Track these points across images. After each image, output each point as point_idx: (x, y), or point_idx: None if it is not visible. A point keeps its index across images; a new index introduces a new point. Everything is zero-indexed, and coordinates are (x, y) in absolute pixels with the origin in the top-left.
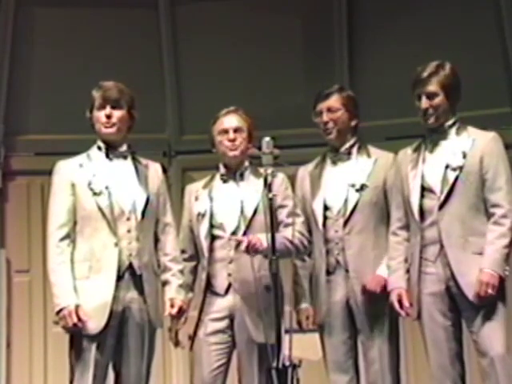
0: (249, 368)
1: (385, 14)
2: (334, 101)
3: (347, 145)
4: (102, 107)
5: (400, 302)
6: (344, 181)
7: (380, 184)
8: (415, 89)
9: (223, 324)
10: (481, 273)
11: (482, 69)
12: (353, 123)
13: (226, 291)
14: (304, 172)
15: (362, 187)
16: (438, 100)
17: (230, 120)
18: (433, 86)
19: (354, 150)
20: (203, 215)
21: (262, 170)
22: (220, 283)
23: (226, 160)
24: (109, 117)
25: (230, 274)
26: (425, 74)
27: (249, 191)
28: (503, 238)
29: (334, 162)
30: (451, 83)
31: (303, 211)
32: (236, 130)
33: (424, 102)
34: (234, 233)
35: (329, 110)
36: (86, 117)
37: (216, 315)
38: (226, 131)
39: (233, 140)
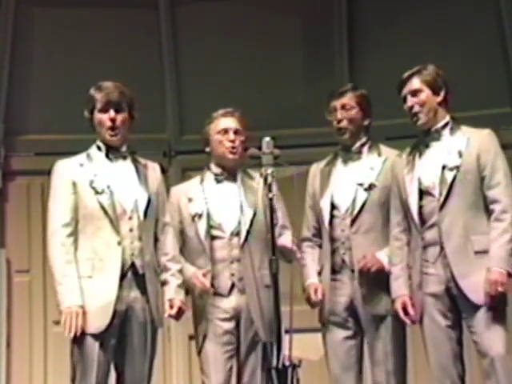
0: (253, 367)
1: (385, 14)
2: (349, 98)
3: (358, 143)
4: (105, 110)
5: (405, 309)
6: (353, 180)
7: (389, 184)
8: (400, 91)
9: (231, 325)
10: (489, 272)
11: (482, 69)
12: (366, 122)
13: (230, 291)
14: (316, 169)
15: (371, 186)
16: (422, 96)
17: (230, 121)
18: (415, 83)
19: (365, 148)
20: (200, 215)
21: (254, 174)
22: (223, 284)
23: (222, 161)
24: (113, 121)
25: (233, 274)
26: (406, 75)
27: (245, 192)
28: (506, 233)
29: (345, 161)
30: (434, 80)
31: (313, 208)
32: (236, 132)
33: (409, 100)
34: (232, 233)
35: (343, 107)
36: (85, 117)
37: (223, 315)
38: (226, 131)
39: (233, 141)
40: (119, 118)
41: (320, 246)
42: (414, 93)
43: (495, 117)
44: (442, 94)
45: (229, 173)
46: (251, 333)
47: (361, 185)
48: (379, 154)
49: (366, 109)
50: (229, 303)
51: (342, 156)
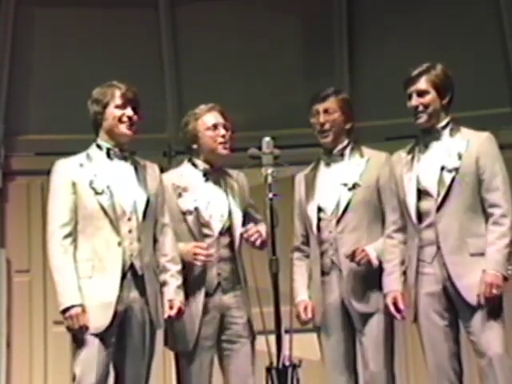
0: (243, 363)
1: (385, 14)
2: (331, 102)
3: (340, 146)
4: (124, 107)
5: (395, 304)
6: (337, 181)
7: (373, 183)
8: (406, 88)
9: (214, 329)
10: (484, 274)
11: (482, 69)
12: (348, 126)
13: (215, 290)
14: (300, 176)
15: (355, 186)
16: (428, 98)
17: (218, 116)
18: (423, 84)
19: (347, 150)
20: (191, 212)
21: (232, 172)
22: (210, 281)
23: (213, 157)
24: (130, 118)
25: (219, 274)
26: (415, 73)
27: (231, 191)
28: (504, 237)
29: (328, 164)
30: (442, 82)
31: (300, 215)
32: (225, 127)
33: (414, 100)
34: (220, 232)
35: (326, 111)
36: (94, 111)
37: (207, 317)
38: (216, 127)
39: (224, 136)
40: (135, 117)
41: (308, 257)
42: (420, 93)
43: (495, 117)
44: (448, 97)
45: (215, 170)
46: (237, 328)
47: (345, 185)
48: (361, 156)
49: (348, 112)
50: (212, 301)
51: (324, 160)
